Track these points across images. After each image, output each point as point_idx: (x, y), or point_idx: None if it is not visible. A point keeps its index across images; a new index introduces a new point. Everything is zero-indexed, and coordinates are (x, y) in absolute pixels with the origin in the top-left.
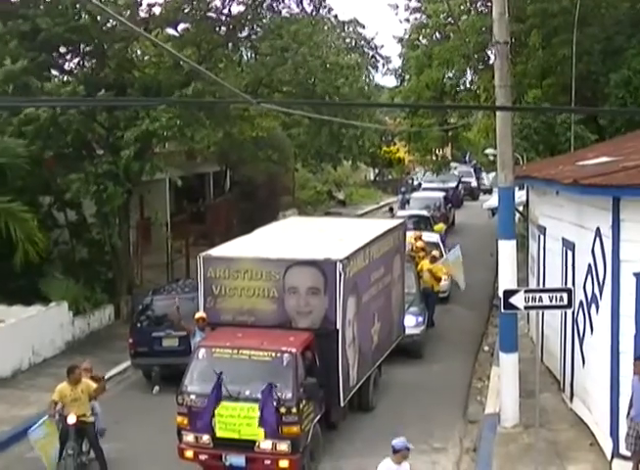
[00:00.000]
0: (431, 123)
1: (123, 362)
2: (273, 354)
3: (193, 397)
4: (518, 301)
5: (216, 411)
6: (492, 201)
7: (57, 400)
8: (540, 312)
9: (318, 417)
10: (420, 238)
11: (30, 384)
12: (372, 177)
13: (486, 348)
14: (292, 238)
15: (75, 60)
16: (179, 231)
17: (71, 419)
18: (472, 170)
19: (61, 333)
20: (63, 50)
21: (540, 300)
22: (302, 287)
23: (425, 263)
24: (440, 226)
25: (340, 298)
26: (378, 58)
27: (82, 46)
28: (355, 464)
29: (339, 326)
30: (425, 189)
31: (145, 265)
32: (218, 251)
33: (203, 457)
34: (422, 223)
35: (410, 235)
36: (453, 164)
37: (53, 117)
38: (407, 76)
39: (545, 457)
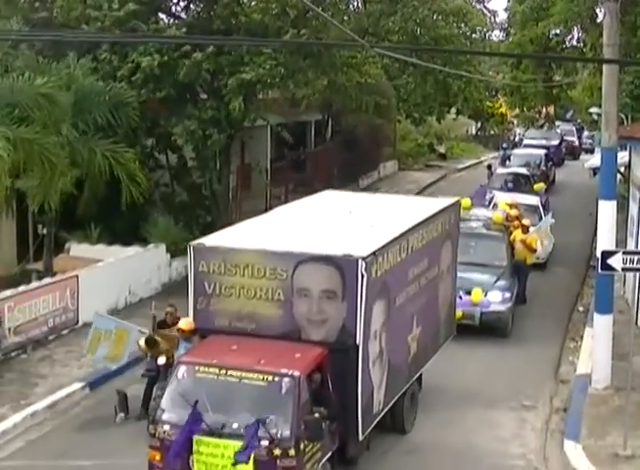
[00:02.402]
0: (532, 78)
1: None
2: (270, 378)
3: (167, 428)
4: (615, 262)
5: (195, 448)
6: (594, 160)
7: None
8: (637, 275)
9: (329, 454)
10: (515, 206)
11: None
12: (473, 132)
13: (581, 308)
14: (311, 223)
15: (183, 3)
16: (279, 178)
17: (161, 360)
18: (574, 129)
19: (158, 274)
20: None
21: (639, 262)
22: (315, 289)
23: (517, 233)
24: (540, 185)
25: (362, 304)
26: (485, 11)
27: None
28: (444, 418)
29: (359, 341)
30: (526, 146)
31: (244, 211)
32: (213, 239)
33: None
34: (521, 182)
35: (504, 201)
36: (556, 123)
37: (161, 65)
38: (512, 31)
39: (635, 421)
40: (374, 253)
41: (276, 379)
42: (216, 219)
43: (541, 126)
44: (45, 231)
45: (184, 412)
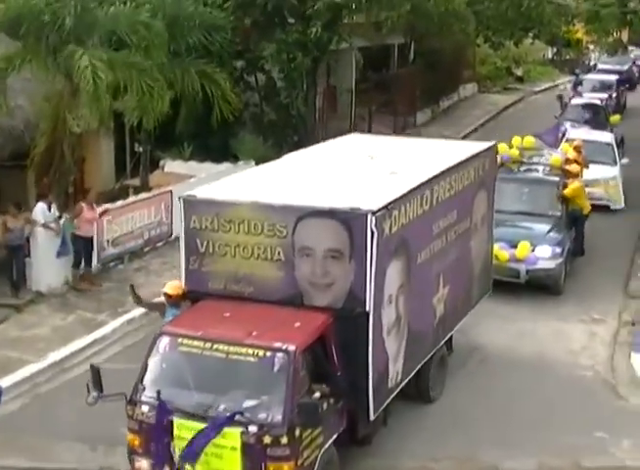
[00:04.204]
0: (609, 3)
1: None
2: (261, 354)
3: (146, 409)
4: None
5: (176, 433)
6: None
7: None
8: None
9: (335, 437)
10: (577, 148)
11: None
12: (550, 56)
13: None
14: (322, 171)
15: None
16: (363, 99)
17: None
18: None
19: None
20: None
21: None
22: (318, 248)
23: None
24: (617, 117)
25: (372, 266)
26: None
27: None
28: (516, 330)
29: (369, 307)
30: (599, 71)
31: (329, 130)
32: (206, 191)
33: None
34: (596, 113)
35: (572, 141)
36: (630, 48)
37: None
38: None
39: None
40: (387, 206)
41: (267, 354)
42: (303, 139)
43: (615, 52)
44: (141, 149)
45: (167, 391)
